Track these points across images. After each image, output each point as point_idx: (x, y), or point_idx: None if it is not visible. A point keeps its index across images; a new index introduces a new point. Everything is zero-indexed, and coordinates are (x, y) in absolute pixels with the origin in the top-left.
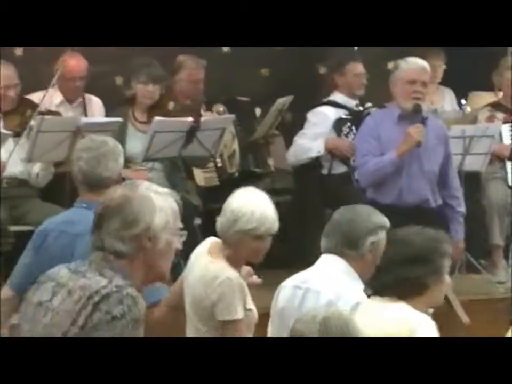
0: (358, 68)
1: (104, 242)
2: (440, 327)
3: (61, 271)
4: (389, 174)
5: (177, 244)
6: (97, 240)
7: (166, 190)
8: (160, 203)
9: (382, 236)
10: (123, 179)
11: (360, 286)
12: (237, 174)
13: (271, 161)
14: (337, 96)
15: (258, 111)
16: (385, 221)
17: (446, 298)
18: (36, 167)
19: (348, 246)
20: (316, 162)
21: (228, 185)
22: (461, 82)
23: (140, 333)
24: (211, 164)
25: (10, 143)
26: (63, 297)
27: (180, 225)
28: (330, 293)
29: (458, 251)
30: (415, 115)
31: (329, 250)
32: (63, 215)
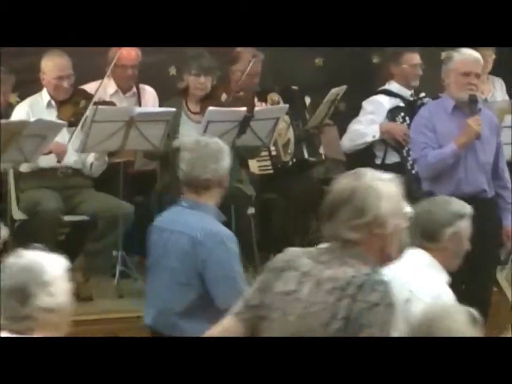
0: (415, 58)
1: (337, 231)
2: (493, 316)
3: (302, 260)
4: (449, 166)
5: (404, 224)
6: (330, 230)
7: (388, 175)
8: (385, 190)
9: (462, 224)
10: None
11: (444, 277)
12: (290, 163)
13: (322, 150)
14: (393, 86)
15: (308, 100)
16: (465, 209)
17: (499, 286)
18: (90, 157)
19: (427, 239)
20: (369, 152)
21: (281, 173)
22: None
23: (396, 318)
24: (265, 153)
25: (64, 133)
26: (312, 288)
27: (405, 206)
28: (411, 285)
29: None
30: (470, 106)
31: (413, 244)
32: (167, 212)
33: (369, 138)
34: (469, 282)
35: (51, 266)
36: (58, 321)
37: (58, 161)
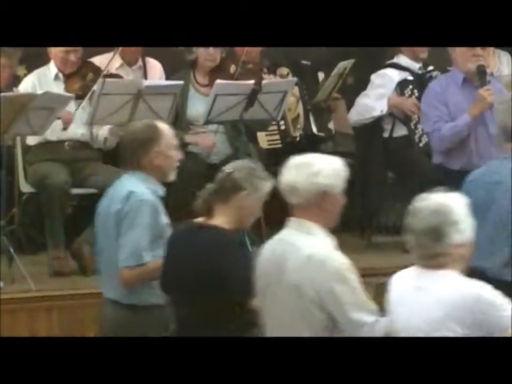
0: None
1: None
2: None
3: None
4: (463, 138)
5: None
6: None
7: None
8: None
9: None
10: (186, 144)
11: None
12: (299, 138)
13: (332, 125)
14: (401, 59)
15: (321, 76)
16: None
17: None
18: (103, 131)
19: None
20: (377, 125)
21: (290, 148)
22: None
23: None
24: (275, 127)
25: (72, 106)
26: None
27: None
28: None
29: None
30: (479, 77)
31: None
32: (485, 165)
33: (376, 113)
34: None
35: (457, 206)
36: (465, 254)
37: (64, 129)
